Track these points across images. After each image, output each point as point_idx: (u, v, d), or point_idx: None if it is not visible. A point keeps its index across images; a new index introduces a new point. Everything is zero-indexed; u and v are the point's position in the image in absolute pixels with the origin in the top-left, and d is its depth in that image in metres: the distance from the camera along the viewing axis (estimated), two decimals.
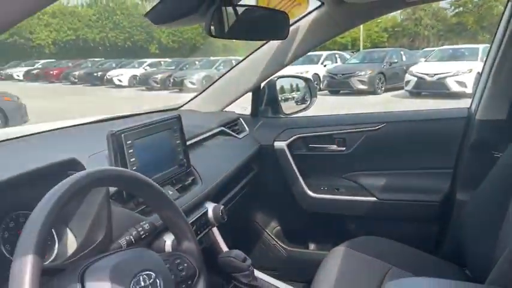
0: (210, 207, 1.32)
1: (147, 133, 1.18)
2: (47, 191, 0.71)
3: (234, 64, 1.98)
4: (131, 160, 1.10)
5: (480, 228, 1.35)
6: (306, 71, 14.39)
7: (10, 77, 24.88)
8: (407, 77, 11.90)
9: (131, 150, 1.11)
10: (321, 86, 14.45)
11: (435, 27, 34.73)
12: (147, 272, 0.77)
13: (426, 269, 1.41)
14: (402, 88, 12.19)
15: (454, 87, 10.76)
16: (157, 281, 0.77)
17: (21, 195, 0.86)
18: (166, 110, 1.90)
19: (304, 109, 2.12)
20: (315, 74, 14.64)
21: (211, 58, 18.70)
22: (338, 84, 13.42)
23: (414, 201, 1.79)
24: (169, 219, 0.92)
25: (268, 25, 1.12)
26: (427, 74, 11.38)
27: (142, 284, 0.75)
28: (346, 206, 1.89)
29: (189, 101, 1.99)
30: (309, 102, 2.13)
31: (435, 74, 11.22)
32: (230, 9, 1.03)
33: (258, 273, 1.31)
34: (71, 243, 0.97)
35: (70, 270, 0.76)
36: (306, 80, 2.21)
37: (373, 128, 1.82)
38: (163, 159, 1.23)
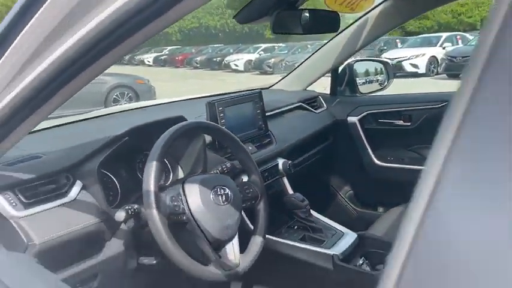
0: (280, 161, 1.71)
1: (234, 103, 1.62)
2: None
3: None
4: (222, 121, 1.55)
5: None
6: (423, 53, 13.75)
7: (142, 63, 27.38)
8: None
9: (222, 115, 1.55)
10: (438, 69, 13.71)
11: None
12: (223, 187, 1.19)
13: None
14: None
15: None
16: (229, 193, 1.19)
17: (148, 140, 1.28)
18: (257, 89, 2.32)
19: (381, 89, 2.38)
20: (432, 56, 13.87)
21: (324, 42, 18.60)
22: (457, 68, 12.51)
23: None
24: (243, 161, 1.34)
25: (322, 22, 1.45)
26: None
27: (219, 193, 1.17)
28: (410, 174, 2.13)
29: (278, 81, 2.39)
30: (386, 83, 2.39)
31: None
32: (291, 11, 1.40)
33: (314, 213, 1.67)
34: (180, 174, 1.45)
35: (177, 183, 1.23)
36: (383, 63, 2.46)
37: (437, 106, 2.03)
38: (246, 123, 1.66)
